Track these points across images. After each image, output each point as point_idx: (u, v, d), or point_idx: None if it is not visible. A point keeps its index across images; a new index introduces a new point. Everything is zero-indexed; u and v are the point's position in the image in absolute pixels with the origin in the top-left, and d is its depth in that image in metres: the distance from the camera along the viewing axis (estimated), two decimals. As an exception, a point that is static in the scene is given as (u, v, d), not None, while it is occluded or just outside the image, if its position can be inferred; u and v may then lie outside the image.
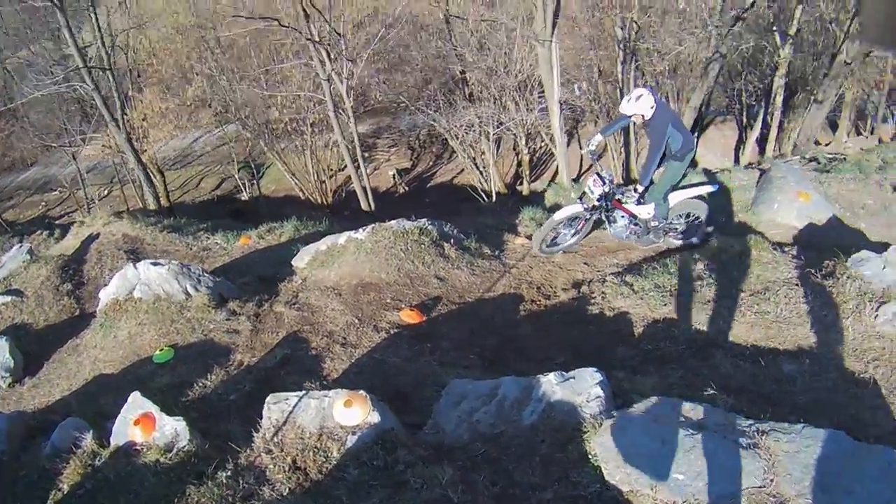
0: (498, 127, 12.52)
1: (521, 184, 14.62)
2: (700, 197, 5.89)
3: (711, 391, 3.34)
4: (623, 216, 5.80)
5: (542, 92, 11.85)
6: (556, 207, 7.41)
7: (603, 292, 5.19)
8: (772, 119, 13.29)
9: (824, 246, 6.04)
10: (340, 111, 11.55)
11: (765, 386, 3.67)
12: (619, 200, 5.70)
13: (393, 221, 5.90)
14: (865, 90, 15.36)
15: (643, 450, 2.78)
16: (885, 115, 16.29)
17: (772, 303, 4.56)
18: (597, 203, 5.66)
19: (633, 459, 2.76)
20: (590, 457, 2.82)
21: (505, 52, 12.76)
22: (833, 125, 15.61)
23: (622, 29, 12.15)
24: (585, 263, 6.01)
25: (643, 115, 5.16)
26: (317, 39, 10.09)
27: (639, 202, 5.65)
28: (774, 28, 12.30)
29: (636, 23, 12.25)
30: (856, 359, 3.97)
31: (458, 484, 2.68)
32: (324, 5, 10.05)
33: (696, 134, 12.88)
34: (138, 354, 5.00)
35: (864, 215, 7.15)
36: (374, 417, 3.01)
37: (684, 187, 5.88)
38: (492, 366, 4.41)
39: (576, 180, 11.75)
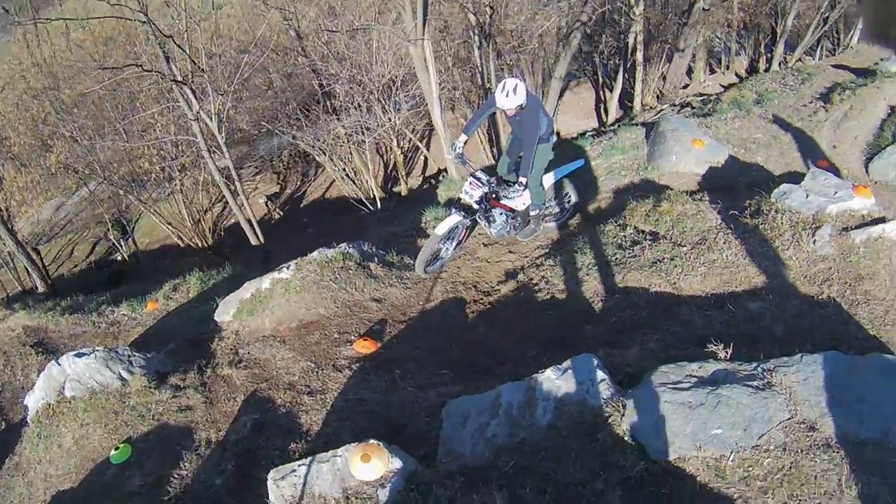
0: (366, 132, 13.73)
1: (398, 185, 15.89)
2: (567, 175, 7.14)
3: (712, 346, 3.86)
4: (502, 213, 6.50)
5: (408, 90, 13.87)
6: (453, 202, 8.39)
7: (543, 276, 5.98)
8: (634, 74, 15.45)
9: (730, 185, 6.93)
10: (213, 148, 12.51)
11: (740, 328, 4.42)
12: (496, 198, 6.39)
13: (314, 252, 6.41)
14: (714, 31, 17.43)
15: (674, 417, 3.32)
16: (738, 49, 18.66)
17: (715, 251, 5.42)
18: (476, 206, 6.29)
19: (668, 429, 3.27)
20: (625, 438, 3.28)
21: (367, 58, 13.85)
22: (688, 69, 17.67)
23: (475, 14, 12.99)
24: (510, 251, 6.86)
25: (521, 105, 5.81)
26: (180, 79, 10.66)
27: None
28: None
29: (489, 6, 13.18)
30: (809, 283, 4.88)
31: (512, 503, 2.98)
32: (181, 40, 10.81)
33: (556, 102, 14.68)
34: (93, 459, 4.97)
35: (757, 149, 8.76)
36: (396, 463, 3.29)
37: (553, 169, 6.84)
38: (469, 375, 4.90)
39: (443, 173, 12.93)
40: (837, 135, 8.96)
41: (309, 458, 3.34)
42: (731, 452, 3.11)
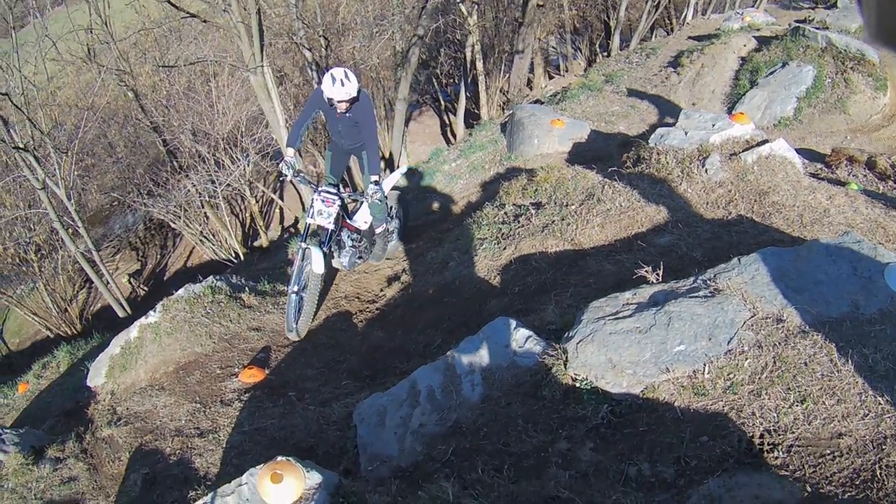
0: (218, 185, 14.79)
1: (258, 238, 17.26)
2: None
3: (641, 271, 4.09)
4: (349, 236, 6.42)
5: (254, 135, 15.22)
6: (318, 234, 8.26)
7: (428, 269, 6.44)
8: (477, 88, 17.05)
9: (600, 154, 7.47)
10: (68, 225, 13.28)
11: (657, 261, 4.49)
12: (345, 217, 6.31)
13: (180, 290, 6.60)
14: (549, 38, 19.50)
15: (626, 346, 3.27)
16: (574, 52, 20.90)
17: (606, 201, 5.78)
18: (332, 228, 6.03)
19: (623, 360, 3.20)
20: (577, 385, 3.16)
21: (207, 107, 15.49)
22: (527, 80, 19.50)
23: (310, 50, 14.64)
24: (388, 258, 7.20)
25: (355, 97, 5.69)
26: (21, 146, 11.53)
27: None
28: (458, 0, 15.41)
29: (325, 38, 14.99)
30: (714, 208, 5.43)
31: (466, 490, 2.77)
32: (20, 102, 11.96)
33: (405, 132, 15.96)
34: (-28, 561, 4.86)
35: (618, 120, 9.42)
36: (315, 478, 3.01)
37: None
38: (374, 380, 5.10)
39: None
40: (694, 92, 10.28)
41: (210, 496, 3.08)
42: (704, 365, 3.06)
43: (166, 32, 20.53)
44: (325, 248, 5.92)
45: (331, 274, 6.98)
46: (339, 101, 5.59)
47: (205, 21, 13.32)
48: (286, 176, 5.83)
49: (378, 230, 6.51)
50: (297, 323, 5.94)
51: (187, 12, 12.44)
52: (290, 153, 5.93)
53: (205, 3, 13.78)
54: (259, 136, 15.62)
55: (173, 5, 11.85)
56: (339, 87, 5.49)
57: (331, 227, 5.88)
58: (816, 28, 10.82)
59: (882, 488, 2.51)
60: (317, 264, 5.84)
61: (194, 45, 19.99)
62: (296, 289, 5.92)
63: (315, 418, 4.73)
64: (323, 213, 5.85)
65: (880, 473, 2.54)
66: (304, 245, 5.90)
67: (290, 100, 16.35)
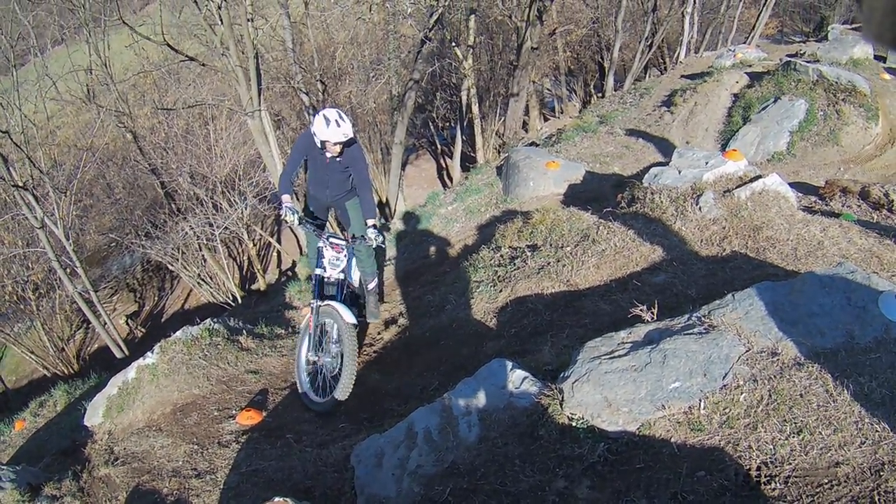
0: (215, 229, 15.16)
1: (256, 282, 17.75)
2: None
3: (636, 310, 4.22)
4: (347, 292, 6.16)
5: (251, 179, 15.78)
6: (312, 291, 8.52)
7: (426, 313, 6.59)
8: (473, 132, 17.29)
9: (596, 194, 7.68)
10: (66, 265, 13.69)
11: (652, 300, 4.64)
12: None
13: (178, 332, 6.72)
14: (543, 80, 20.08)
15: (622, 385, 3.34)
16: (568, 94, 21.42)
17: (601, 242, 5.95)
18: (342, 277, 5.95)
19: (619, 398, 3.28)
20: (573, 425, 3.23)
21: (205, 150, 16.01)
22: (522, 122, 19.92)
23: (307, 94, 14.98)
24: (384, 301, 7.29)
25: (351, 137, 5.58)
26: (20, 184, 11.82)
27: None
28: (454, 44, 15.83)
29: (322, 82, 15.45)
30: (708, 245, 5.58)
31: None
32: (19, 140, 12.33)
33: (401, 176, 16.41)
34: None
35: (612, 161, 9.58)
36: None
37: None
38: (372, 422, 5.16)
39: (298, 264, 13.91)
40: (688, 130, 10.54)
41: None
42: (700, 400, 3.13)
43: (165, 75, 21.09)
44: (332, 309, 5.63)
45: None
46: (334, 144, 5.44)
47: (203, 64, 13.71)
48: (291, 222, 5.52)
49: (370, 286, 6.39)
50: (335, 391, 5.48)
51: (186, 55, 12.75)
52: (286, 199, 5.69)
53: (203, 47, 14.53)
54: (256, 179, 16.07)
55: (172, 48, 12.20)
56: (334, 128, 5.34)
57: (338, 277, 5.79)
58: (808, 62, 11.09)
59: (883, 514, 2.58)
60: (347, 315, 5.54)
61: (193, 87, 20.57)
62: (315, 357, 5.66)
63: (313, 460, 4.77)
64: (334, 262, 5.76)
65: (878, 500, 2.60)
66: (320, 303, 5.65)
67: (287, 144, 16.73)
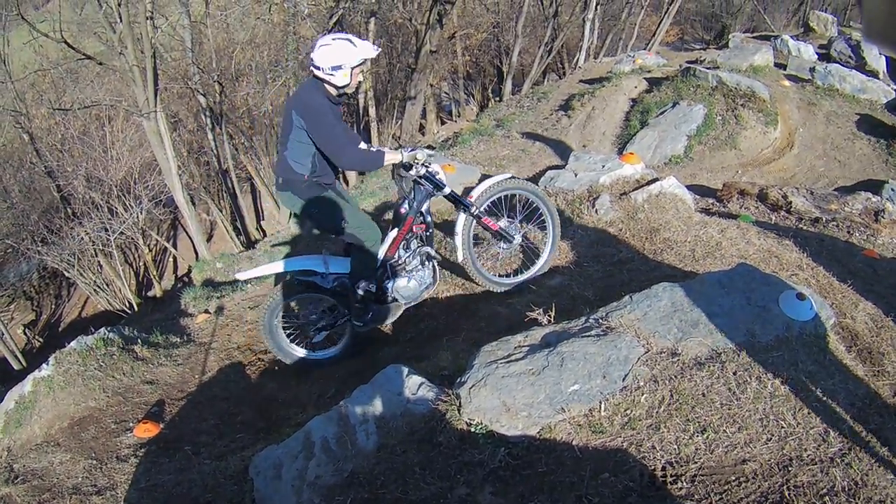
0: (111, 233, 15.69)
1: (152, 288, 18.37)
2: None
3: (533, 313, 4.34)
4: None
5: (147, 183, 16.24)
6: (211, 283, 9.35)
7: None
8: (369, 135, 17.73)
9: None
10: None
11: (549, 302, 4.76)
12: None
13: (73, 342, 6.79)
14: (442, 84, 20.36)
15: (520, 389, 3.39)
16: (466, 98, 21.79)
17: (489, 255, 6.03)
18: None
19: (518, 403, 3.32)
20: (472, 430, 3.26)
21: (101, 153, 16.14)
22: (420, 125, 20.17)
23: (205, 95, 15.30)
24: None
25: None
26: None
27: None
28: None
29: (219, 83, 15.68)
30: (604, 249, 5.77)
31: None
32: None
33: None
34: None
35: (508, 164, 9.90)
36: None
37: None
38: (270, 431, 5.17)
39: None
40: (585, 134, 10.91)
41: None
42: (600, 402, 3.19)
43: (63, 74, 20.85)
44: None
45: (224, 326, 7.22)
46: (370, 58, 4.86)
47: (100, 63, 13.82)
48: (424, 160, 4.96)
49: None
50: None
51: (84, 54, 12.76)
52: (392, 152, 4.94)
53: (104, 46, 14.62)
54: (152, 183, 16.51)
55: (70, 46, 12.20)
56: (361, 42, 4.71)
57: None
58: (707, 68, 11.67)
59: (793, 508, 2.66)
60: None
61: (91, 87, 20.56)
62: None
63: (211, 473, 4.76)
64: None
65: (789, 494, 2.70)
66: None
67: (183, 146, 17.08)
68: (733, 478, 2.82)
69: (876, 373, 3.87)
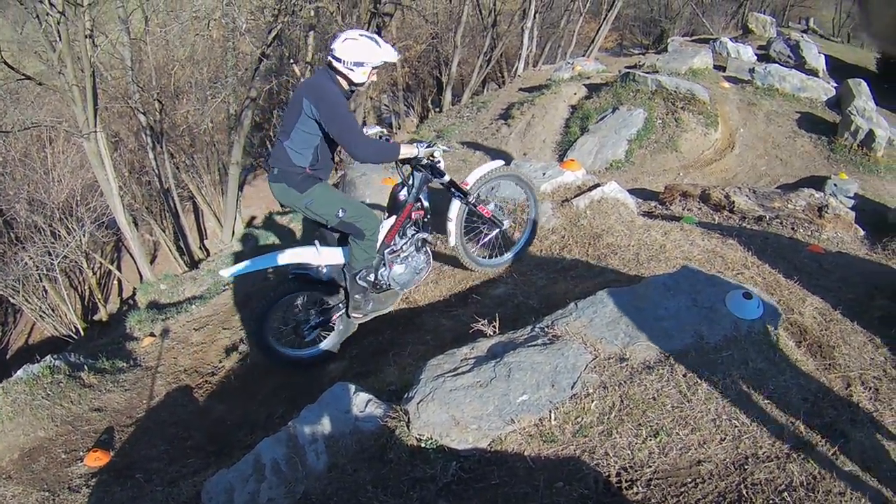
0: (55, 257, 15.65)
1: (98, 313, 18.33)
2: None
3: (477, 324, 4.33)
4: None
5: (89, 204, 16.27)
6: (156, 306, 9.31)
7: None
8: None
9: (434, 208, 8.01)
10: None
11: (494, 312, 4.79)
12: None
13: (19, 371, 6.86)
14: (381, 97, 20.49)
15: (468, 402, 3.40)
16: (406, 110, 21.93)
17: (439, 256, 6.21)
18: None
19: (467, 416, 3.32)
20: (422, 446, 3.27)
21: (43, 175, 16.23)
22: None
23: (145, 114, 15.41)
24: (224, 328, 7.49)
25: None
26: None
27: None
28: (292, 60, 16.43)
29: (159, 101, 15.80)
30: (547, 256, 5.90)
31: None
32: None
33: (239, 196, 16.89)
34: None
35: (449, 175, 9.32)
36: None
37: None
38: (220, 455, 5.24)
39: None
40: (525, 142, 11.07)
41: None
42: (550, 412, 3.20)
43: (3, 95, 20.62)
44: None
45: (171, 349, 7.34)
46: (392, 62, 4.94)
47: (40, 84, 13.63)
48: (438, 148, 5.14)
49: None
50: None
51: (23, 74, 12.61)
52: (408, 146, 5.01)
53: (44, 66, 14.60)
54: (95, 204, 16.48)
55: (9, 66, 12.03)
56: (384, 44, 4.78)
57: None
58: (647, 72, 11.87)
59: (751, 506, 2.69)
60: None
61: (32, 108, 20.23)
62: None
63: (164, 500, 4.73)
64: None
65: (747, 492, 2.73)
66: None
67: (125, 166, 17.13)
68: (689, 479, 2.84)
69: (827, 366, 3.96)
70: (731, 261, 5.45)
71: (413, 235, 5.38)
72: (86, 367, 7.10)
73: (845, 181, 8.98)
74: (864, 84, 11.95)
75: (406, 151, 4.92)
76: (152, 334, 8.12)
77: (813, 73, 14.12)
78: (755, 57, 15.27)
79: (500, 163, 5.70)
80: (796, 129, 11.22)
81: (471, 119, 12.99)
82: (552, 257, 5.76)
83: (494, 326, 4.21)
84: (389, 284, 5.29)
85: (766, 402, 3.30)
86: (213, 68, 18.39)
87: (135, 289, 16.98)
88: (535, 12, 19.95)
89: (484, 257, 5.81)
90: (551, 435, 3.12)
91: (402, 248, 5.34)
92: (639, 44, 29.66)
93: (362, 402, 3.68)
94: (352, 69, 4.65)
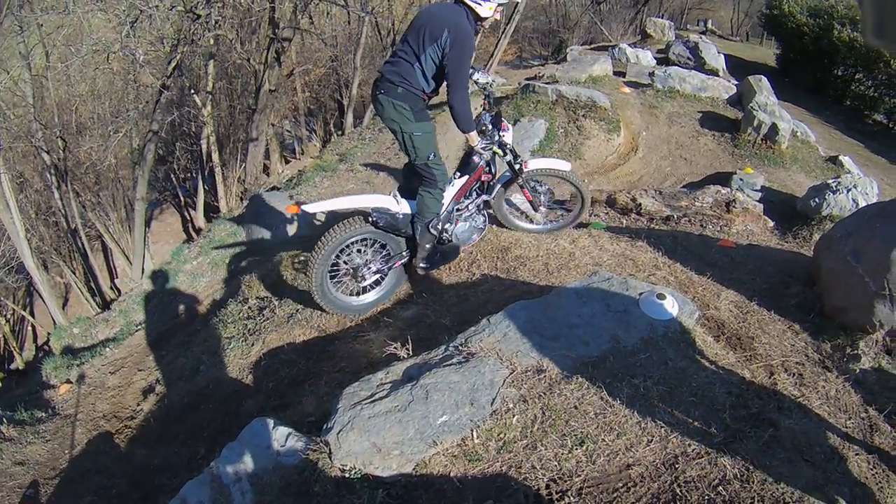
0: None
1: (14, 361, 17.80)
2: None
3: (390, 348, 4.41)
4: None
5: None
6: (70, 350, 9.13)
7: (180, 377, 6.68)
8: (215, 181, 17.73)
9: None
10: None
11: (407, 335, 4.83)
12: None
13: None
14: (283, 122, 20.51)
15: (387, 428, 3.40)
16: (308, 134, 21.99)
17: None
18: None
19: (387, 442, 3.33)
20: (346, 476, 3.27)
21: None
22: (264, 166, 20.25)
23: (48, 152, 15.05)
24: (139, 370, 7.44)
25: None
26: None
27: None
28: (193, 91, 16.12)
29: (62, 139, 15.47)
30: (456, 273, 5.97)
31: None
32: None
33: (146, 233, 16.63)
34: None
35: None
36: None
37: None
38: (146, 502, 5.34)
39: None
40: None
41: None
42: (471, 430, 3.23)
43: None
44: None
45: (88, 395, 7.29)
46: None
47: None
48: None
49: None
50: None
51: None
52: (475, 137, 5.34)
53: None
54: (2, 249, 16.06)
55: None
56: None
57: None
58: (546, 83, 12.10)
59: (687, 504, 2.74)
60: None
61: None
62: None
63: None
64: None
65: (680, 491, 2.80)
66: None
67: (31, 207, 16.74)
68: (620, 484, 2.89)
69: (748, 357, 4.09)
70: (642, 263, 5.59)
71: (478, 197, 5.78)
72: (4, 419, 7.06)
73: (751, 175, 9.26)
74: (764, 80, 12.43)
75: (473, 136, 5.27)
76: (69, 381, 8.06)
77: (713, 72, 14.58)
78: (654, 61, 15.70)
79: (568, 167, 5.96)
80: (699, 128, 11.59)
81: (373, 140, 13.05)
82: (461, 273, 5.82)
83: (408, 349, 4.27)
84: (451, 239, 5.62)
85: (690, 399, 3.39)
86: (114, 102, 18.14)
87: (49, 334, 16.56)
88: (434, 30, 20.17)
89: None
90: (475, 454, 3.13)
91: (467, 206, 5.72)
92: (538, 55, 30.22)
93: (282, 437, 3.65)
94: (479, 3, 4.75)
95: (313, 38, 21.25)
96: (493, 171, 5.74)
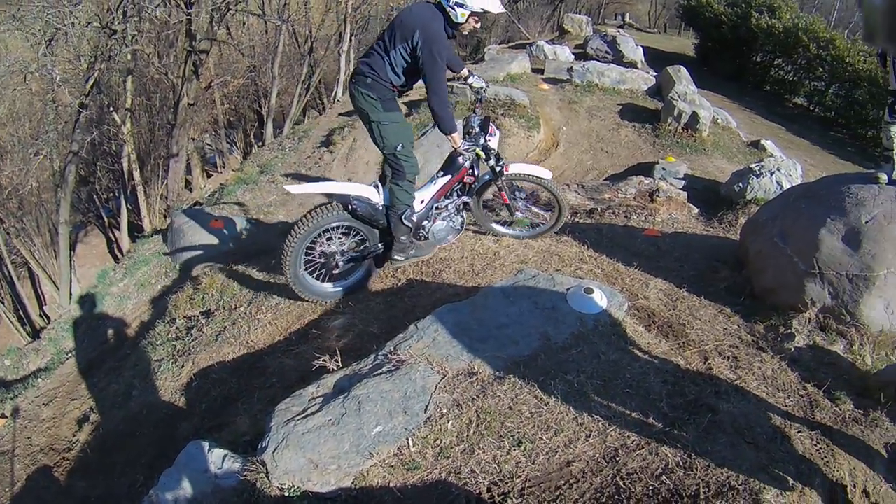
0: None
1: None
2: None
3: (320, 360, 4.34)
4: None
5: None
6: (3, 384, 8.87)
7: (113, 404, 6.53)
8: (137, 197, 17.44)
9: (264, 248, 8.22)
10: None
11: (336, 344, 4.99)
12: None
13: None
14: (203, 137, 20.25)
15: (322, 443, 3.36)
16: (229, 147, 21.77)
17: (274, 296, 6.31)
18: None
19: (324, 457, 3.29)
20: (284, 494, 3.23)
21: None
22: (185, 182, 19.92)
23: None
24: (72, 399, 7.25)
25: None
26: None
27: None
28: (112, 108, 15.99)
29: None
30: (381, 280, 5.97)
31: None
32: None
33: (72, 257, 16.23)
34: None
35: (277, 209, 10.20)
36: None
37: None
38: None
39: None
40: (349, 167, 11.24)
41: None
42: (407, 439, 3.22)
43: None
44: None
45: (23, 429, 7.16)
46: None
47: None
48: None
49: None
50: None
51: None
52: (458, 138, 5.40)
53: None
54: None
55: None
56: None
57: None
58: (464, 83, 12.21)
59: (631, 496, 2.79)
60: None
61: None
62: None
63: None
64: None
65: (623, 483, 2.83)
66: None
67: None
68: (562, 482, 2.90)
69: (681, 344, 4.15)
70: (568, 257, 5.65)
71: (458, 198, 5.84)
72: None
73: (673, 163, 9.41)
74: (683, 70, 12.71)
75: (456, 137, 5.37)
76: (3, 415, 7.91)
77: (631, 65, 14.88)
78: (573, 56, 15.88)
79: (550, 176, 6.00)
80: (619, 120, 11.79)
81: (293, 150, 12.95)
82: (387, 279, 5.82)
83: (337, 361, 4.23)
84: (428, 236, 5.69)
85: (626, 391, 3.42)
86: (34, 124, 17.71)
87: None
88: (351, 35, 20.04)
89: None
90: (413, 462, 3.12)
91: (447, 206, 5.79)
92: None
93: (219, 459, 3.58)
94: (453, 8, 4.87)
95: (231, 48, 21.05)
96: (476, 173, 5.81)
